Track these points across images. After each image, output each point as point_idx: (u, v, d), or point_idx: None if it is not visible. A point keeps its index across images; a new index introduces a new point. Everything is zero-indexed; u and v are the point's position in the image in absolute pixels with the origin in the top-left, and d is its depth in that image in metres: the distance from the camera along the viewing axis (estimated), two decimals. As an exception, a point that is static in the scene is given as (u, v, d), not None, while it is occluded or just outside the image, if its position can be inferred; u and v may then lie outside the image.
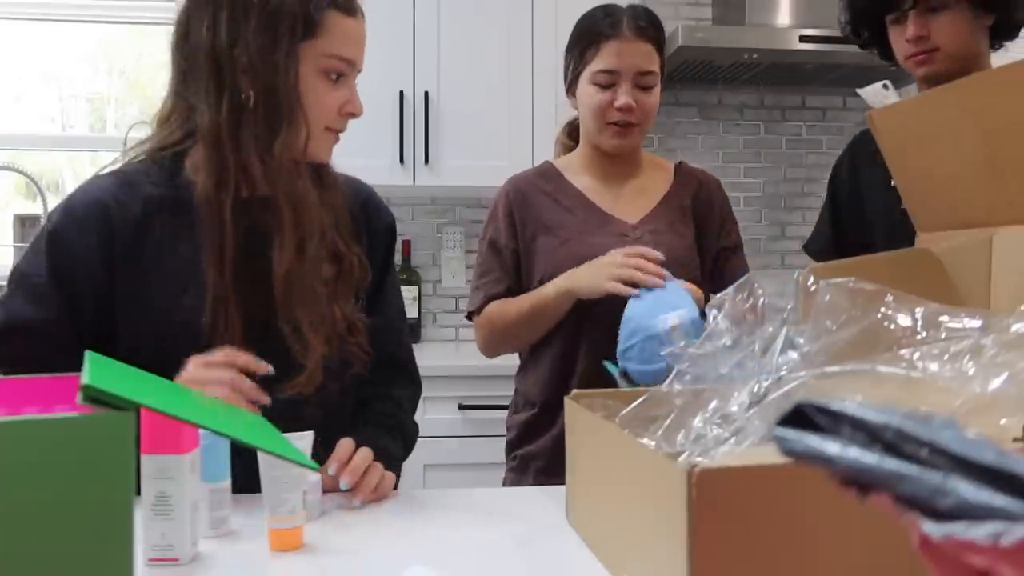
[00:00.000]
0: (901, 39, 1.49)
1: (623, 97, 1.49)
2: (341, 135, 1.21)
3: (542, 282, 1.51)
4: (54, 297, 1.11)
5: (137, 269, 1.13)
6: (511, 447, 1.62)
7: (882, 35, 1.54)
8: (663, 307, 1.30)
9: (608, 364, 1.36)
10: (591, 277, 1.40)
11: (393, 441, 1.25)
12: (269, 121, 1.12)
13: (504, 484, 1.64)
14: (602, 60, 1.50)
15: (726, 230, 1.64)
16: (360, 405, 1.28)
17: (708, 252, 1.60)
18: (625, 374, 1.32)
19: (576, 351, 1.50)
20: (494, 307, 1.57)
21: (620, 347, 1.33)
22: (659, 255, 1.38)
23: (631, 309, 1.33)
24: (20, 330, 1.11)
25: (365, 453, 1.11)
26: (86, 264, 1.12)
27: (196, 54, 1.12)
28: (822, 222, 1.75)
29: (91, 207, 1.13)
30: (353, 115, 1.19)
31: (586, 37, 1.53)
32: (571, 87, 1.58)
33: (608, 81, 1.50)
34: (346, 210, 1.24)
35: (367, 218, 1.30)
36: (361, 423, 1.24)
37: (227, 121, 1.11)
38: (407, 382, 1.36)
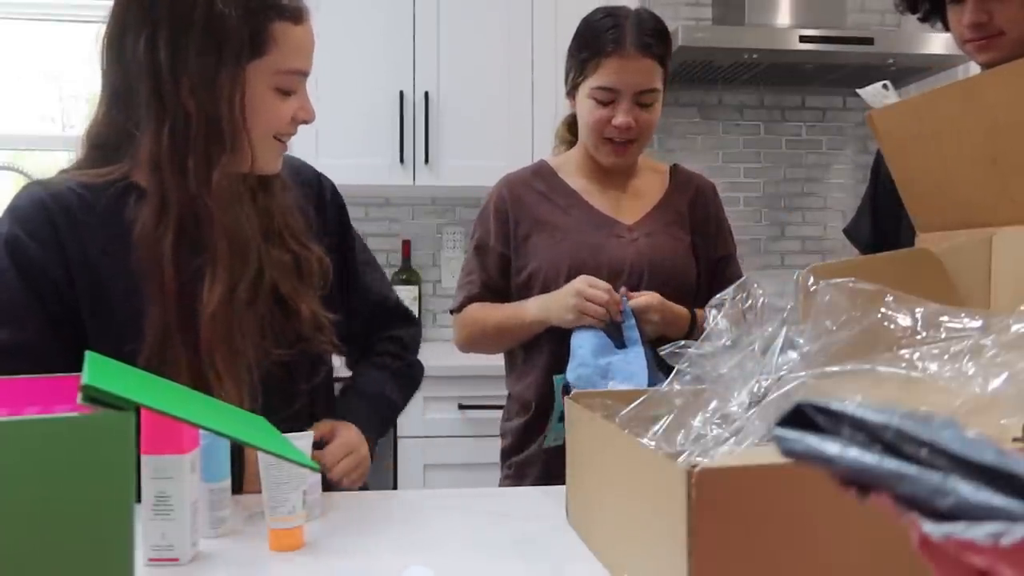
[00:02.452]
0: (960, 21, 1.32)
1: (621, 116, 1.47)
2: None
3: (543, 279, 1.52)
4: (32, 310, 1.04)
5: (99, 293, 1.06)
6: (506, 455, 1.62)
7: (943, 7, 1.37)
8: (616, 373, 1.38)
9: (557, 378, 1.46)
10: (562, 311, 1.44)
11: (395, 384, 1.30)
12: (209, 147, 1.04)
13: None
14: (602, 76, 1.47)
15: (722, 239, 1.63)
16: (365, 350, 1.31)
17: (704, 260, 1.59)
18: (566, 389, 1.42)
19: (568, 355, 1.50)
20: (474, 310, 1.58)
21: (568, 371, 1.42)
22: (620, 298, 1.42)
23: (588, 354, 1.41)
24: (4, 355, 1.01)
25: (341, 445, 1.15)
26: (47, 266, 1.04)
27: (133, 74, 1.03)
28: (863, 207, 1.72)
29: (33, 210, 1.06)
30: (305, 122, 1.13)
31: (588, 47, 1.49)
32: (571, 92, 1.56)
33: (607, 98, 1.47)
34: (295, 209, 1.18)
35: (314, 192, 1.25)
36: (367, 365, 1.29)
37: (168, 150, 1.03)
38: (407, 323, 1.37)
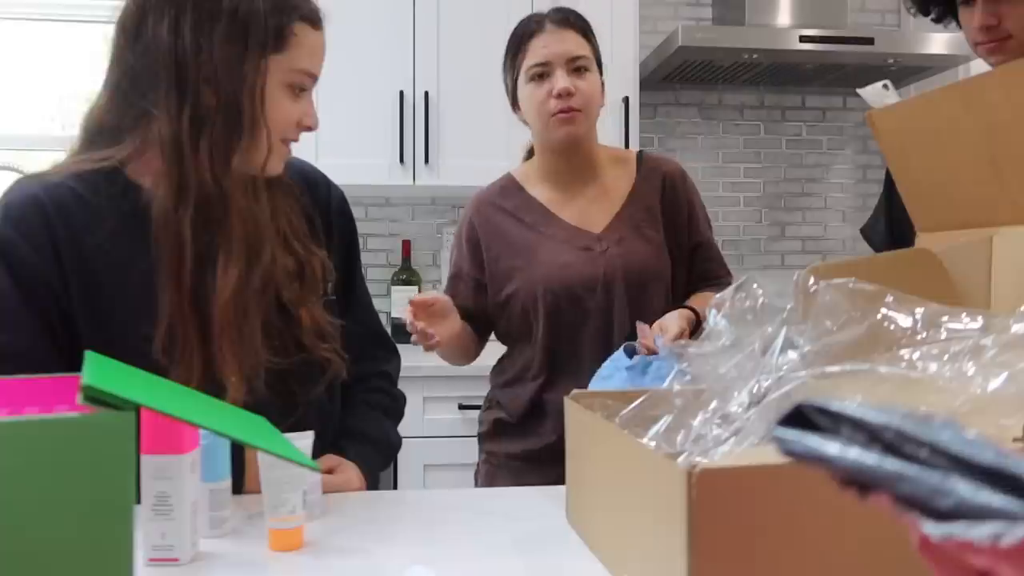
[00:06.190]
0: (970, 24, 1.33)
1: (560, 82, 1.48)
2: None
3: (521, 302, 1.52)
4: (25, 314, 1.03)
5: (94, 291, 1.05)
6: (483, 440, 1.65)
7: (956, 8, 1.38)
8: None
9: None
10: None
11: (392, 424, 1.33)
12: (229, 134, 1.05)
13: (476, 477, 1.67)
14: (532, 56, 1.51)
15: (695, 226, 1.61)
16: (359, 381, 1.30)
17: (679, 250, 1.59)
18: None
19: (553, 380, 1.52)
20: None
21: (596, 378, 1.35)
22: (433, 298, 1.38)
23: (620, 379, 1.32)
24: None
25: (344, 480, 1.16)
26: (40, 268, 1.03)
27: (153, 56, 1.04)
28: (879, 208, 1.72)
29: (27, 208, 1.04)
30: (309, 129, 1.15)
31: (513, 45, 1.54)
32: (515, 101, 1.57)
33: (542, 72, 1.50)
34: (299, 212, 1.18)
35: (322, 198, 1.26)
36: (363, 405, 1.29)
37: (188, 132, 1.04)
38: (391, 354, 1.39)
